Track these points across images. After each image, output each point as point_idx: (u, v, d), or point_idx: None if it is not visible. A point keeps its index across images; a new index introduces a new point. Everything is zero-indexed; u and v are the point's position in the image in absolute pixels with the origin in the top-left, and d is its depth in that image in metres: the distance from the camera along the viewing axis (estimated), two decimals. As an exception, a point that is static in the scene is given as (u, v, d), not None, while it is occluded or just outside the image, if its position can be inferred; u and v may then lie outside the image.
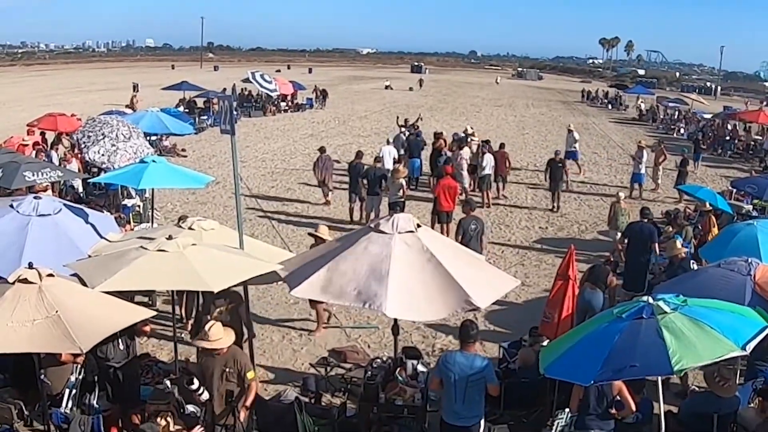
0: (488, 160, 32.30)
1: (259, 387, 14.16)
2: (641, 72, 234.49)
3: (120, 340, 12.54)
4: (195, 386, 11.48)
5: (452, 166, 29.89)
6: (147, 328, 13.37)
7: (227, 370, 11.48)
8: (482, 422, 11.39)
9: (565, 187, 33.88)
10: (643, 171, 35.73)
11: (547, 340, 14.59)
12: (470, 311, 12.11)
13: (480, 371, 10.92)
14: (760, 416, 12.17)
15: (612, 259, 18.44)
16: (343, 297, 11.26)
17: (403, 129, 39.93)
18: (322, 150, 32.61)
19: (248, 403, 11.72)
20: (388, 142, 35.68)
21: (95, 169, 28.11)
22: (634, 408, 11.20)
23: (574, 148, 41.58)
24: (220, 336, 11.33)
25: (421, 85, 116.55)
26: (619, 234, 23.28)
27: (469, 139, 36.65)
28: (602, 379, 9.46)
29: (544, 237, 27.82)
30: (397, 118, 45.58)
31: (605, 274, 17.46)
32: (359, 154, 30.31)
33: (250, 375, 11.56)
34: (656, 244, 20.70)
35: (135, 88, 69.02)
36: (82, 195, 26.53)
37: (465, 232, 21.10)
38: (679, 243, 18.96)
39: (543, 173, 33.47)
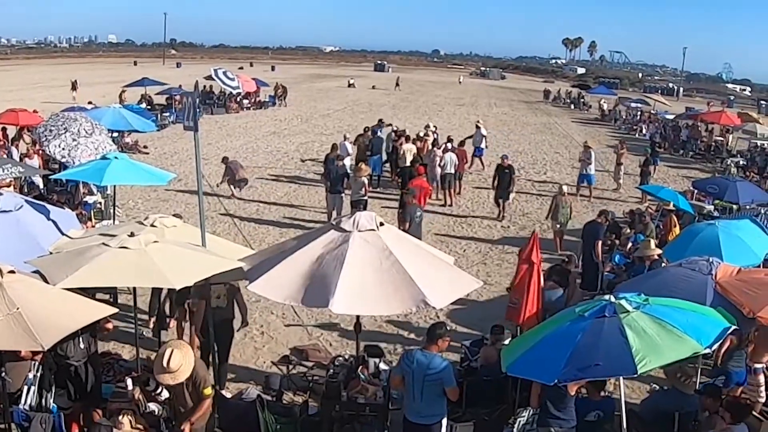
0: (451, 159, 32.37)
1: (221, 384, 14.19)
2: (581, 70, 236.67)
3: (81, 338, 12.44)
4: (152, 386, 11.42)
5: (425, 166, 30.15)
6: (109, 326, 13.26)
7: (185, 382, 11.29)
8: (444, 420, 11.39)
9: (512, 195, 31.66)
10: (592, 172, 35.73)
11: (509, 339, 14.65)
12: (428, 310, 12.15)
13: (438, 372, 10.90)
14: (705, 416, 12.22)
15: (572, 261, 18.51)
16: (294, 297, 11.26)
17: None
18: (225, 160, 33.16)
19: (193, 418, 11.29)
20: (345, 138, 35.90)
21: (56, 165, 27.94)
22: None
23: (483, 145, 41.77)
24: (181, 363, 11.06)
25: (397, 85, 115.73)
26: (558, 226, 25.43)
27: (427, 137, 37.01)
28: (566, 378, 9.47)
29: (506, 236, 27.91)
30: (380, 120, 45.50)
31: (565, 273, 17.59)
32: (334, 147, 31.02)
33: (207, 391, 11.18)
34: (599, 242, 20.94)
35: (74, 86, 68.53)
36: (42, 191, 26.35)
37: (411, 219, 22.04)
38: (653, 244, 19.03)
39: (501, 176, 31.08)
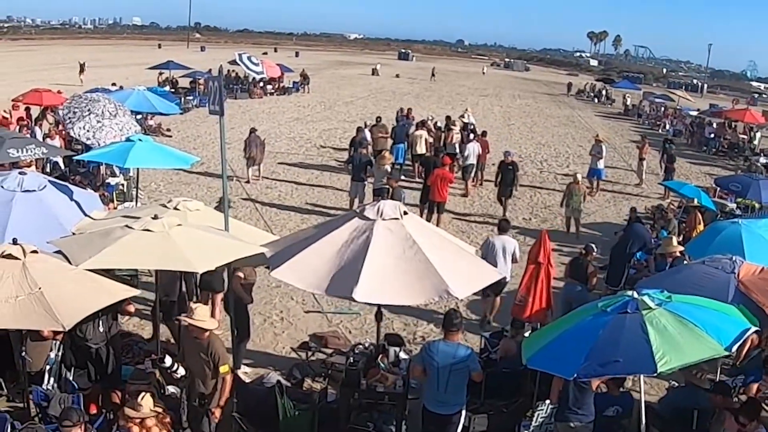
0: (472, 149, 32.31)
1: (240, 369, 14.21)
2: (593, 62, 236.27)
3: (101, 321, 12.47)
4: (168, 363, 11.44)
5: (452, 156, 30.14)
6: (131, 308, 13.29)
7: (204, 357, 11.34)
8: (463, 411, 11.41)
9: (514, 192, 30.25)
10: (601, 166, 35.26)
11: (529, 332, 14.63)
12: (452, 299, 12.13)
13: (463, 360, 10.96)
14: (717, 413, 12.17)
15: (589, 252, 18.35)
16: (317, 285, 11.28)
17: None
18: (252, 131, 33.49)
19: (222, 402, 11.54)
20: (365, 126, 35.99)
21: (79, 146, 27.98)
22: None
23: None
24: (204, 318, 11.20)
25: (433, 74, 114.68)
26: (565, 208, 26.74)
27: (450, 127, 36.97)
28: (585, 373, 9.44)
29: (527, 228, 27.82)
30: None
31: (585, 266, 17.51)
32: (360, 130, 32.73)
33: (223, 369, 11.31)
34: (645, 249, 20.81)
35: (81, 68, 67.94)
36: (65, 172, 26.37)
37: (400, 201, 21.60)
38: (675, 241, 18.94)
39: (504, 173, 29.52)
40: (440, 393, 11.09)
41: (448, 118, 40.73)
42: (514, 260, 18.48)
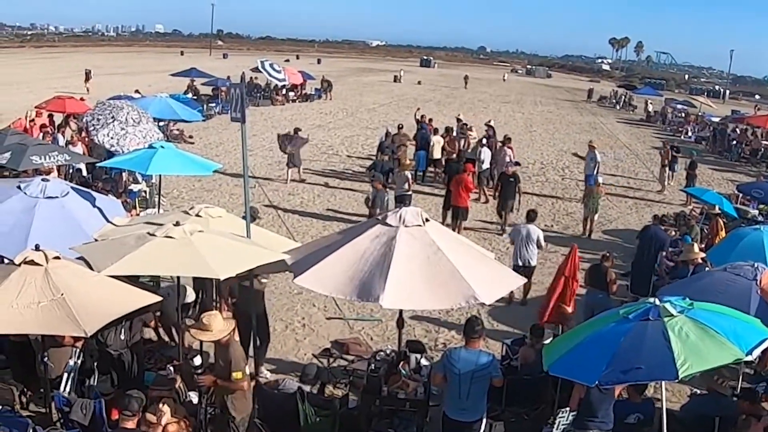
0: (486, 155, 32.34)
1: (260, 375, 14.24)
2: (605, 67, 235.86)
3: (122, 329, 12.56)
4: (197, 363, 11.44)
5: (473, 162, 30.20)
6: (153, 323, 13.46)
7: (221, 363, 11.40)
8: (484, 418, 11.40)
9: (516, 205, 28.52)
10: (595, 172, 34.04)
11: (549, 340, 14.62)
12: (474, 306, 12.15)
13: (485, 367, 10.96)
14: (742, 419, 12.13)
15: (608, 258, 18.38)
16: (342, 290, 11.26)
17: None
18: (296, 130, 34.97)
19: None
20: (387, 133, 36.48)
21: (101, 153, 28.13)
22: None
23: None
24: (215, 323, 11.16)
25: (466, 83, 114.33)
26: (589, 213, 27.67)
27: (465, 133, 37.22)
28: (607, 380, 9.43)
29: (548, 235, 27.61)
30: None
31: (604, 272, 17.51)
32: (388, 134, 34.59)
33: (235, 375, 11.20)
34: (664, 252, 20.82)
35: (88, 75, 66.80)
36: (88, 178, 26.49)
37: (382, 203, 23.03)
38: (696, 248, 18.90)
39: (504, 185, 28.77)
40: (461, 400, 11.08)
41: (462, 123, 40.99)
42: (539, 246, 20.60)
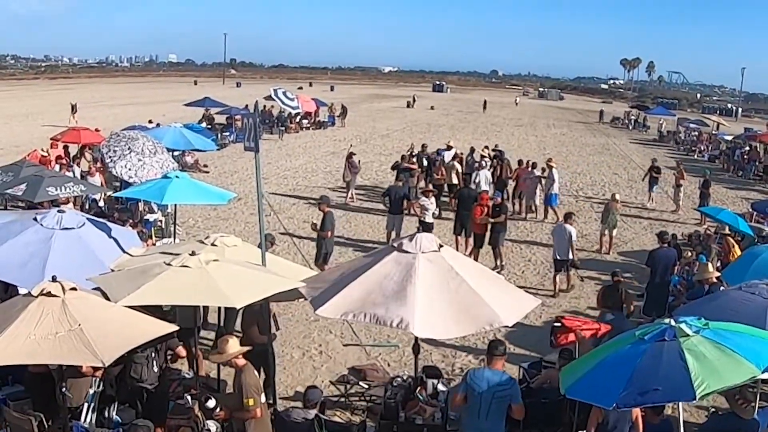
0: (485, 177, 32.62)
1: (278, 404, 14.23)
2: (603, 86, 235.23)
3: (154, 362, 12.65)
4: (212, 404, 11.48)
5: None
6: (182, 352, 13.54)
7: (236, 389, 11.45)
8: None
9: (502, 239, 26.25)
10: (555, 191, 34.34)
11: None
12: (491, 329, 12.15)
13: (507, 388, 10.92)
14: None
15: (621, 279, 18.40)
16: (369, 317, 11.23)
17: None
18: (351, 154, 36.48)
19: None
20: (402, 159, 36.73)
21: (117, 183, 28.27)
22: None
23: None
24: (229, 345, 11.29)
25: (485, 108, 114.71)
26: (607, 228, 29.01)
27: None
28: (625, 402, 9.40)
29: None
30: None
31: (620, 293, 17.54)
32: (404, 158, 35.43)
33: (247, 402, 11.24)
34: (675, 268, 20.87)
35: (73, 108, 65.25)
36: (104, 209, 26.62)
37: (333, 226, 23.27)
38: (711, 267, 18.89)
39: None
40: (480, 421, 11.01)
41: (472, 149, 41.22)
42: (573, 243, 23.75)
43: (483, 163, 34.89)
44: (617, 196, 31.02)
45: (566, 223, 23.85)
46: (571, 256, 23.72)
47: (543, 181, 34.56)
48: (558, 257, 23.74)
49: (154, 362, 12.72)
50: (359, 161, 38.12)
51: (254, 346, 13.56)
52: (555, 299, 22.48)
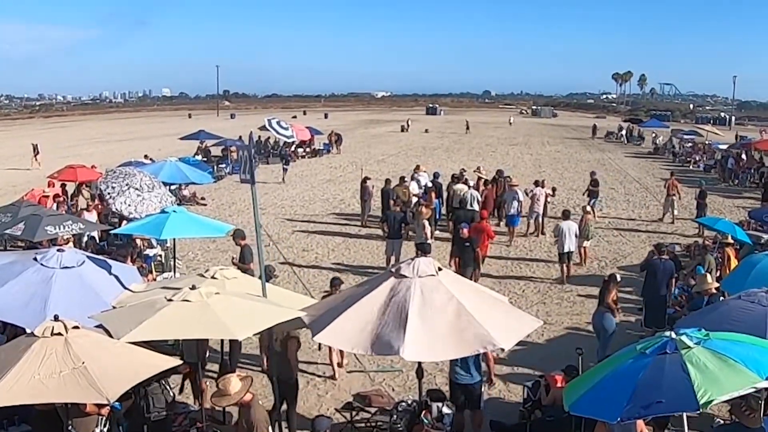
0: (472, 195, 32.63)
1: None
2: (589, 101, 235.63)
3: (163, 395, 12.71)
4: None
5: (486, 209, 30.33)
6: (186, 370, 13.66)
7: (244, 424, 11.38)
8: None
9: (476, 271, 25.30)
10: (514, 211, 33.46)
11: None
12: (494, 350, 12.18)
13: None
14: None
15: (609, 279, 18.65)
16: (361, 345, 11.26)
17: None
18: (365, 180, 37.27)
19: None
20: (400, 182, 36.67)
21: (115, 219, 28.35)
22: None
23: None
24: (231, 387, 11.20)
25: (468, 128, 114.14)
26: (587, 242, 29.31)
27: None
28: (629, 415, 9.42)
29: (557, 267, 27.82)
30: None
31: (605, 289, 17.85)
32: (402, 179, 35.45)
33: None
34: (674, 280, 20.93)
35: (35, 149, 61.73)
36: (103, 245, 26.67)
37: (253, 258, 22.16)
38: (709, 278, 18.94)
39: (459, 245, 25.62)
40: None
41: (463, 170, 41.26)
42: (577, 235, 27.03)
43: (471, 182, 35.22)
44: (588, 208, 32.22)
45: (566, 220, 27.36)
46: (573, 249, 27.29)
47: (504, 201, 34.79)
48: (562, 251, 26.85)
49: (163, 395, 12.74)
50: (373, 186, 38.37)
51: (283, 378, 13.71)
52: (557, 317, 22.48)
